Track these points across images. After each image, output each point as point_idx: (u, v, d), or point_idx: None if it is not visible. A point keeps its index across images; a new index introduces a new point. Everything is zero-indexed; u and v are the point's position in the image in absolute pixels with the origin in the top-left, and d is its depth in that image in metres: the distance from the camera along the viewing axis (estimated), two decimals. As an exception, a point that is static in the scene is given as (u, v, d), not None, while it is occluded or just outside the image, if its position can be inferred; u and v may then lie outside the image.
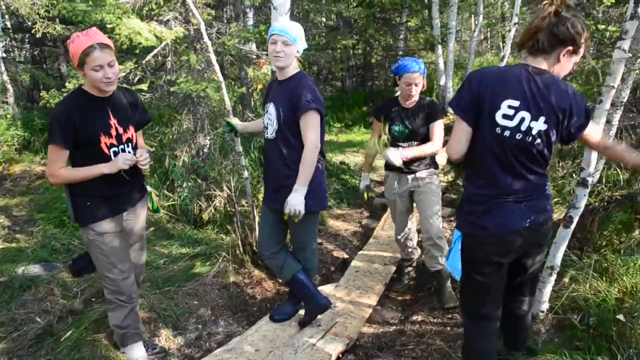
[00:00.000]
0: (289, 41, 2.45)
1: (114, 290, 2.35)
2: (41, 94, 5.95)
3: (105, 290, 2.40)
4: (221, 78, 2.93)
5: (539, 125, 1.79)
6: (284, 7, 3.59)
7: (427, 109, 3.12)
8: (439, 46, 8.92)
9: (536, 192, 1.91)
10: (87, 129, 2.13)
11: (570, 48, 1.78)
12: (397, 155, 2.99)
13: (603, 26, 4.90)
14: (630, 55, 2.46)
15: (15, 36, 10.58)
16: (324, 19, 11.57)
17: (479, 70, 1.93)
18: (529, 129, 1.79)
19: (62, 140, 2.10)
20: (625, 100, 3.91)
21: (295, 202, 2.40)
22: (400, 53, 9.85)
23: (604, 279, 2.68)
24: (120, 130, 2.25)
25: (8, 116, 7.86)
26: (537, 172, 1.88)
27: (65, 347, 2.63)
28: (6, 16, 9.48)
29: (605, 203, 3.41)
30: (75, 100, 2.17)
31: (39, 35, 6.36)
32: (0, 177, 6.35)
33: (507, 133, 1.80)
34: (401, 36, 9.79)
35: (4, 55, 7.90)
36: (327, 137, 8.24)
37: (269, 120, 2.60)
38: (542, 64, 1.82)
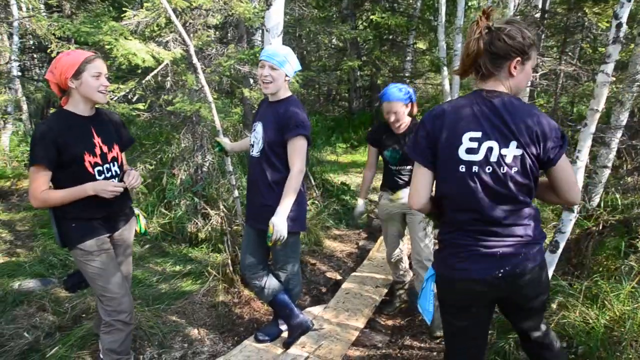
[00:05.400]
0: (276, 65, 2.48)
1: (113, 311, 2.27)
2: (50, 111, 6.13)
3: (102, 312, 2.30)
4: (211, 99, 2.97)
5: (512, 151, 1.58)
6: (276, 29, 3.65)
7: None
8: (445, 68, 8.96)
9: (515, 237, 1.66)
10: (71, 148, 2.11)
11: (518, 58, 1.61)
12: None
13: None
14: (614, 78, 2.44)
15: (35, 56, 11.00)
16: (334, 40, 11.70)
17: (431, 110, 1.75)
18: (501, 157, 1.59)
19: (45, 160, 2.05)
20: (624, 123, 3.88)
21: (279, 226, 2.39)
22: (407, 74, 9.91)
23: (595, 306, 2.61)
24: (105, 149, 2.26)
25: (19, 132, 8.06)
26: (516, 209, 1.64)
27: (49, 363, 2.65)
28: (27, 37, 9.83)
29: (601, 227, 3.34)
30: (59, 119, 2.17)
31: (54, 55, 6.58)
32: (8, 192, 6.46)
33: (475, 168, 1.62)
34: (408, 58, 9.87)
35: (20, 74, 8.13)
36: (330, 158, 8.33)
37: (255, 139, 2.63)
38: (497, 85, 1.65)
